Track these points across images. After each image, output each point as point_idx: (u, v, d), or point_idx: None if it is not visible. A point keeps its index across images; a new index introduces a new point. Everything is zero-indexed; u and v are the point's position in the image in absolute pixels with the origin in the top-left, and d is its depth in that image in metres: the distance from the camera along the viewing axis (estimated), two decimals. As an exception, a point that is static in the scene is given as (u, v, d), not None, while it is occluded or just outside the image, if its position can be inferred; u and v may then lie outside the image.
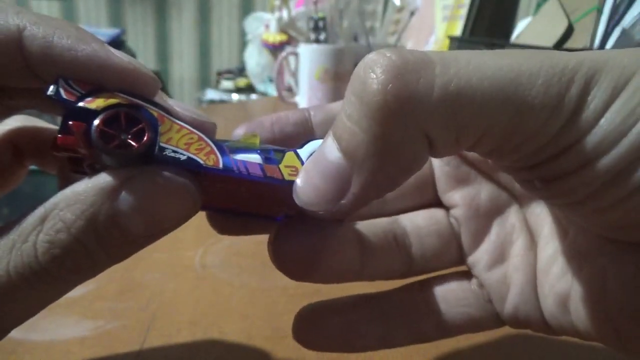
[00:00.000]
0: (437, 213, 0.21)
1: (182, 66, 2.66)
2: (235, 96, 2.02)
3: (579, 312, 0.17)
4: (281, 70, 0.90)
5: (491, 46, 0.62)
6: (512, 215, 0.20)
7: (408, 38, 1.02)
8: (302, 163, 0.16)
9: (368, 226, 0.20)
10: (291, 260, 0.18)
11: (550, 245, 0.19)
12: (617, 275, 0.16)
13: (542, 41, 0.61)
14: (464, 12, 0.86)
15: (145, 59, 2.52)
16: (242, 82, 2.12)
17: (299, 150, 0.17)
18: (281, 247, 0.18)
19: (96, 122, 0.14)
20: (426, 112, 0.13)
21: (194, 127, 0.16)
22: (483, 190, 0.20)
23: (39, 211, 0.14)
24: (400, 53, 0.13)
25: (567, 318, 0.18)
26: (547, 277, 0.18)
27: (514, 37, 0.77)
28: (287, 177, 0.16)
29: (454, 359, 0.25)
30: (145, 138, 0.15)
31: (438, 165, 0.21)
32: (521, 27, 0.75)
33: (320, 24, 0.81)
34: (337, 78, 0.80)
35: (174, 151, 0.15)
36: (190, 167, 0.15)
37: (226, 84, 2.22)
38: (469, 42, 0.79)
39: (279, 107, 0.95)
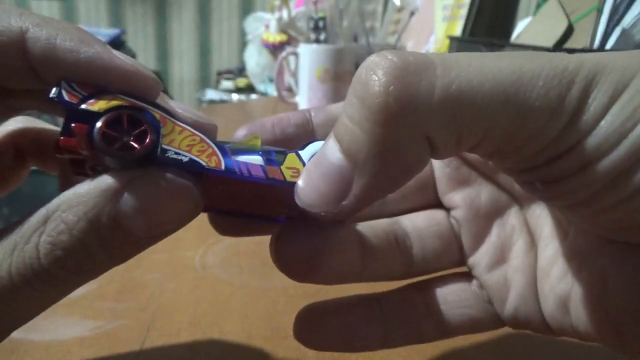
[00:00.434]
0: (437, 214, 0.21)
1: (182, 66, 2.66)
2: (235, 96, 2.02)
3: (579, 313, 0.17)
4: (281, 70, 0.90)
5: (491, 46, 0.62)
6: (513, 217, 0.20)
7: (408, 38, 1.02)
8: (304, 164, 0.16)
9: (369, 227, 0.20)
10: (293, 261, 0.18)
11: (550, 247, 0.19)
12: (617, 276, 0.16)
13: (542, 41, 0.61)
14: (464, 12, 0.86)
15: (145, 59, 2.52)
16: (242, 82, 2.12)
17: (300, 152, 0.17)
18: (283, 248, 0.18)
19: (98, 124, 0.14)
20: (427, 113, 0.13)
21: (195, 129, 0.16)
22: (483, 192, 0.20)
23: (41, 212, 0.14)
24: (402, 55, 0.13)
25: (567, 319, 0.18)
26: (548, 278, 0.18)
27: (514, 37, 0.77)
28: (288, 179, 0.16)
29: (454, 359, 0.25)
30: (147, 140, 0.15)
31: (438, 167, 0.21)
32: (521, 27, 0.75)
33: (320, 24, 0.81)
34: (337, 78, 0.80)
35: (176, 153, 0.15)
36: (193, 169, 0.15)
37: (226, 84, 2.22)
38: (469, 42, 0.79)
39: (279, 107, 0.95)
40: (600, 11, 0.56)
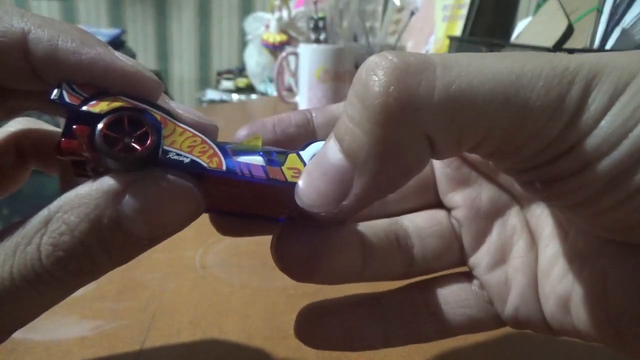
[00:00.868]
0: (438, 214, 0.21)
1: (182, 66, 2.66)
2: (235, 96, 2.02)
3: (579, 313, 0.17)
4: (281, 70, 0.90)
5: (491, 46, 0.62)
6: (513, 217, 0.20)
7: (408, 38, 1.02)
8: (305, 165, 0.16)
9: (369, 227, 0.20)
10: (293, 261, 0.18)
11: (550, 247, 0.19)
12: (618, 277, 0.16)
13: (542, 41, 0.61)
14: (464, 12, 0.86)
15: (145, 59, 2.52)
16: (242, 82, 2.12)
17: (301, 152, 0.17)
18: (284, 248, 0.18)
19: (100, 125, 0.15)
20: (427, 114, 0.13)
21: (195, 129, 0.16)
22: (484, 192, 0.20)
23: (43, 213, 0.14)
24: (402, 55, 0.13)
25: (568, 319, 0.18)
26: (548, 279, 0.18)
27: (514, 37, 0.77)
28: (289, 179, 0.16)
29: (454, 359, 0.25)
30: (148, 141, 0.15)
31: (439, 167, 0.21)
32: (521, 27, 0.75)
33: (320, 24, 0.81)
34: (337, 78, 0.80)
35: (177, 154, 0.15)
36: (194, 170, 0.15)
37: (226, 84, 2.22)
38: (469, 42, 0.79)
39: (279, 107, 0.95)
40: (600, 11, 0.56)
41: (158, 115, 0.15)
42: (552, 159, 0.14)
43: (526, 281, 0.19)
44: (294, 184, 0.16)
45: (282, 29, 1.09)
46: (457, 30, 0.87)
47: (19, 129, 0.22)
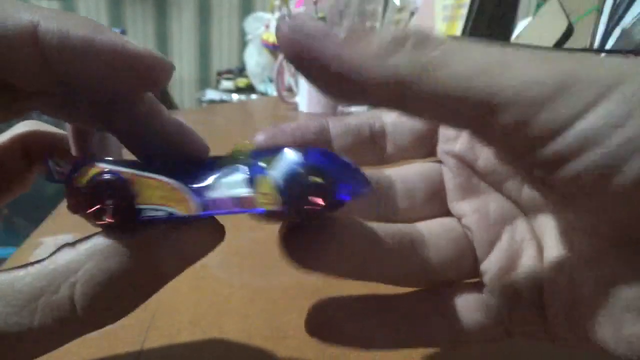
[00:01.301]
0: (451, 221, 0.21)
1: (182, 66, 2.66)
2: (235, 96, 2.02)
3: (585, 321, 0.17)
4: (281, 70, 0.90)
5: (491, 46, 0.62)
6: (521, 225, 0.20)
7: (408, 38, 1.01)
8: (278, 187, 0.16)
9: (382, 227, 0.20)
10: (300, 249, 0.18)
11: (556, 255, 0.19)
12: (623, 282, 0.16)
13: (542, 41, 0.61)
14: (464, 12, 0.86)
15: (145, 59, 2.51)
16: (242, 82, 2.12)
17: (272, 172, 0.17)
18: (291, 236, 0.18)
19: (85, 202, 0.16)
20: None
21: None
22: (492, 201, 0.21)
23: (69, 255, 0.16)
24: None
25: (573, 327, 0.18)
26: (554, 286, 0.18)
27: (514, 37, 0.77)
28: (263, 207, 0.17)
29: (454, 359, 0.25)
30: (117, 214, 0.16)
31: (449, 177, 0.21)
32: (521, 27, 0.75)
33: (320, 24, 0.81)
34: (337, 78, 0.79)
35: (153, 209, 0.16)
36: (173, 220, 0.16)
37: (226, 84, 2.23)
38: (469, 42, 0.79)
39: (279, 107, 0.95)
40: (600, 11, 0.56)
41: (126, 173, 0.16)
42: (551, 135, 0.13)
43: (534, 288, 0.19)
44: (270, 211, 0.16)
45: (282, 29, 1.09)
46: (457, 30, 0.87)
47: (25, 131, 0.22)
